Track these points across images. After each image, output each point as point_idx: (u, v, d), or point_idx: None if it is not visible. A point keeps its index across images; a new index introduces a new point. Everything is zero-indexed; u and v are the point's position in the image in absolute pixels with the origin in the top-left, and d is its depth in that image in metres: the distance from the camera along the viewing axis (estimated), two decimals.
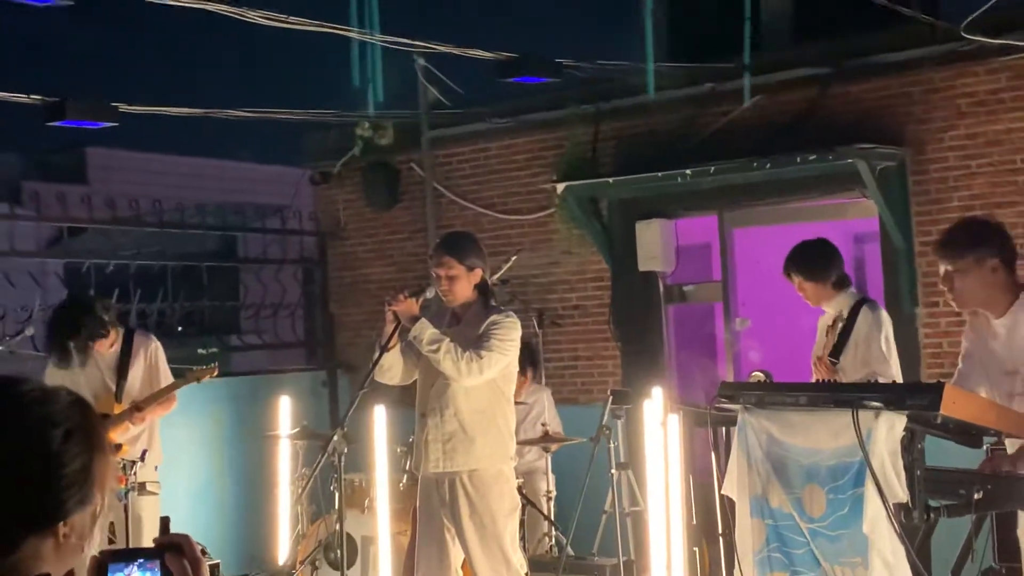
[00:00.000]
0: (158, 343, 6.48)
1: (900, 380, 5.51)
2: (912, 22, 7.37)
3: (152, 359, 6.37)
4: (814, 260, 5.65)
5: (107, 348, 6.28)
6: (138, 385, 6.30)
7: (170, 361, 6.62)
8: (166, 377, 6.37)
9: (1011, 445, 4.25)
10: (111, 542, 5.81)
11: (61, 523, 1.81)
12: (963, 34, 6.90)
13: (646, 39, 7.00)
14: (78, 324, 6.15)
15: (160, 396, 6.22)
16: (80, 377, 6.14)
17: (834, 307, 5.66)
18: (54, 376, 6.14)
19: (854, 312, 5.55)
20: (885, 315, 5.59)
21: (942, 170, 7.42)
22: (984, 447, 4.27)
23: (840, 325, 5.59)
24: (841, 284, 5.64)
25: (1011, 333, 4.41)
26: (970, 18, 6.78)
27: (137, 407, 6.13)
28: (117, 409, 6.15)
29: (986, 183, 7.26)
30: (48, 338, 6.32)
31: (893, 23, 7.47)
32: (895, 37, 7.57)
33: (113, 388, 6.24)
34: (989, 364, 4.52)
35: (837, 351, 5.54)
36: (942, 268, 4.49)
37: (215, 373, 6.35)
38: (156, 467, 6.29)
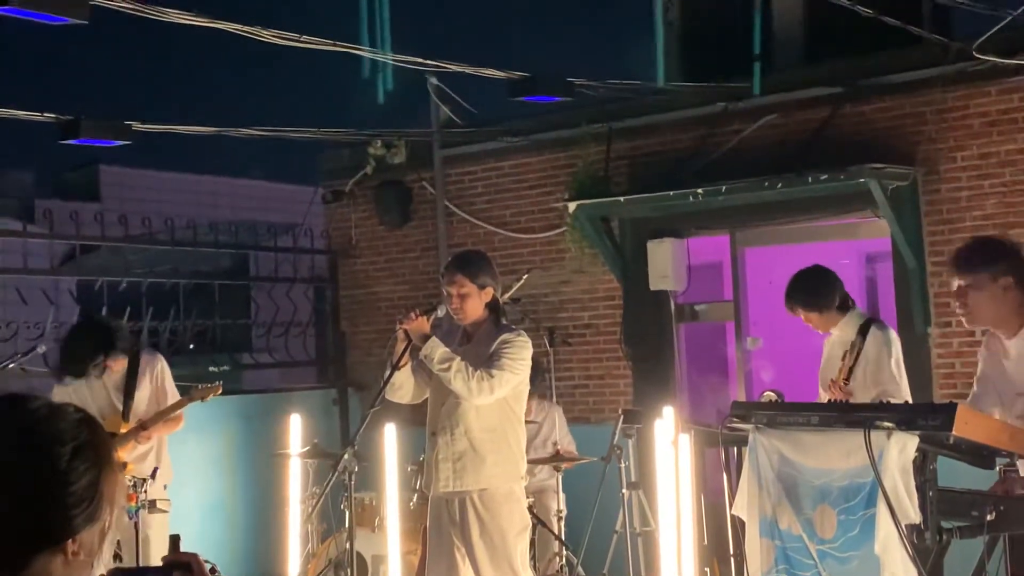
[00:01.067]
0: (164, 362, 6.47)
1: (910, 401, 5.48)
2: (924, 42, 7.37)
3: (159, 378, 6.37)
4: (815, 290, 5.61)
5: (115, 368, 6.29)
6: (145, 404, 6.29)
7: (181, 379, 6.62)
8: (172, 396, 6.36)
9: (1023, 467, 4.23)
10: (117, 558, 5.80)
11: (70, 540, 1.81)
12: (975, 54, 6.90)
13: (656, 35, 6.98)
14: (105, 343, 6.16)
15: (165, 415, 6.21)
16: (87, 397, 6.13)
17: (839, 329, 5.63)
18: (61, 395, 6.14)
19: (862, 333, 5.53)
20: (894, 335, 5.57)
21: (954, 190, 7.41)
22: (996, 468, 4.24)
23: (856, 349, 5.56)
24: (844, 306, 5.61)
25: (1023, 354, 4.39)
26: (982, 38, 6.78)
27: (142, 426, 6.13)
28: (124, 428, 6.15)
29: (998, 203, 7.25)
30: (67, 357, 6.29)
31: (905, 43, 7.47)
32: (907, 57, 7.57)
33: (120, 408, 6.24)
34: (1002, 385, 4.49)
35: (848, 372, 5.51)
36: (954, 283, 4.46)
37: (219, 392, 6.33)
38: (165, 486, 6.28)
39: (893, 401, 5.12)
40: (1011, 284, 4.35)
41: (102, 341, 6.17)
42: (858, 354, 5.51)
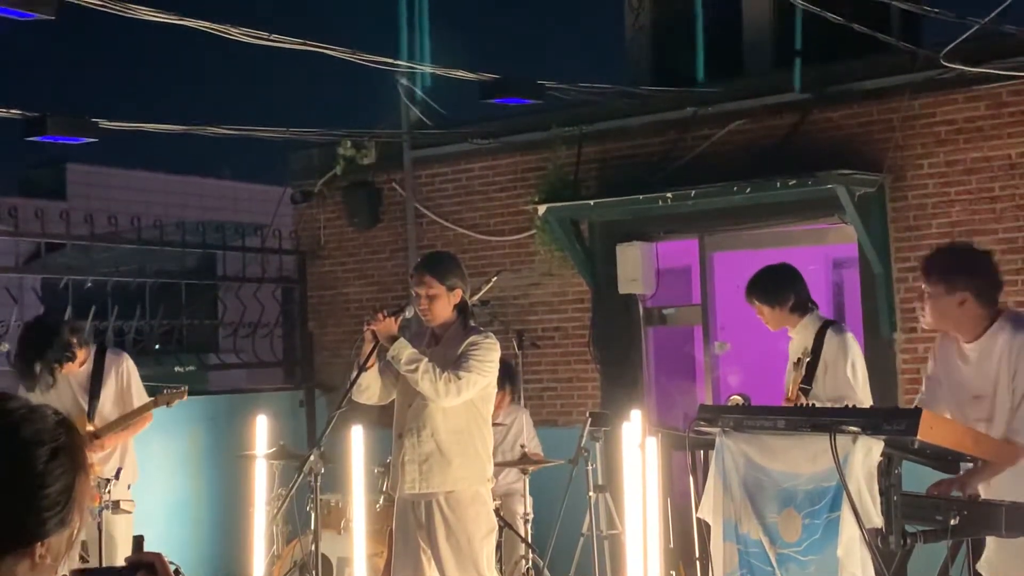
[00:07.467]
0: (130, 361, 6.40)
1: (870, 404, 5.48)
2: (892, 50, 7.43)
3: (124, 377, 6.30)
4: (770, 284, 5.62)
5: (78, 367, 6.21)
6: (110, 404, 6.23)
7: (147, 379, 6.57)
8: (139, 395, 6.30)
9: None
10: (83, 560, 5.75)
11: (39, 543, 1.79)
12: (942, 62, 6.96)
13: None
14: (44, 347, 6.07)
15: (130, 419, 6.16)
16: (51, 396, 6.04)
17: (798, 332, 5.62)
18: (25, 394, 6.07)
19: (819, 337, 5.52)
20: (851, 338, 5.52)
21: (921, 197, 7.46)
22: (961, 473, 4.28)
23: (806, 359, 5.55)
24: (802, 309, 5.58)
25: (982, 358, 4.41)
26: (950, 46, 6.84)
27: (96, 435, 6.06)
28: (89, 428, 6.08)
29: (964, 210, 7.31)
30: (16, 359, 6.23)
31: (874, 51, 7.53)
32: (875, 64, 7.63)
33: (85, 407, 6.17)
34: (955, 387, 4.52)
35: (808, 378, 5.51)
36: (924, 285, 4.51)
37: (184, 397, 6.28)
38: (129, 486, 6.22)
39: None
40: (967, 299, 4.37)
41: (49, 347, 6.07)
42: (813, 359, 5.51)
